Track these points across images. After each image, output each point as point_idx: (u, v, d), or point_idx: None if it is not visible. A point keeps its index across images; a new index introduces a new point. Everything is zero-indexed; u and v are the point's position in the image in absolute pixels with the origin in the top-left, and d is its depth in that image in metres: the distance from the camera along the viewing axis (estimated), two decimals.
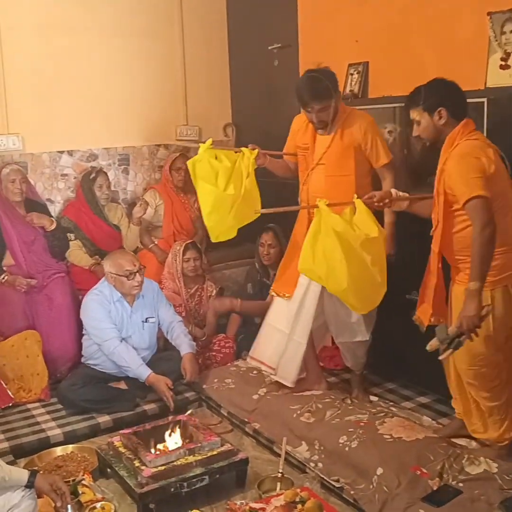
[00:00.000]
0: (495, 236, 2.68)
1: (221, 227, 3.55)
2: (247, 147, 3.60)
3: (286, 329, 3.63)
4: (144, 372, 3.75)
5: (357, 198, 3.19)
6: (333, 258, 3.00)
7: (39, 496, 2.54)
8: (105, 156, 5.02)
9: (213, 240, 3.67)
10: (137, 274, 3.82)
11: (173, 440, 3.14)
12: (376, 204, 3.18)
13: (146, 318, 3.97)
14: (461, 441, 3.15)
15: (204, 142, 3.54)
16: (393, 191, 3.22)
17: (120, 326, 3.87)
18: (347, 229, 3.02)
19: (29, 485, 2.45)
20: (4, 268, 4.25)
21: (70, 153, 4.88)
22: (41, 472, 2.71)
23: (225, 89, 5.45)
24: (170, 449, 3.07)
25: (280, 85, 4.85)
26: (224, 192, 3.45)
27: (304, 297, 3.54)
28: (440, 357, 2.83)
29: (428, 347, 2.84)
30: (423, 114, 2.88)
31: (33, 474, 2.49)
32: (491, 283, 2.78)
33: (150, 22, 5.05)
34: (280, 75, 4.84)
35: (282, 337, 3.65)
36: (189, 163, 3.54)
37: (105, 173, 4.77)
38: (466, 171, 2.71)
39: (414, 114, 2.92)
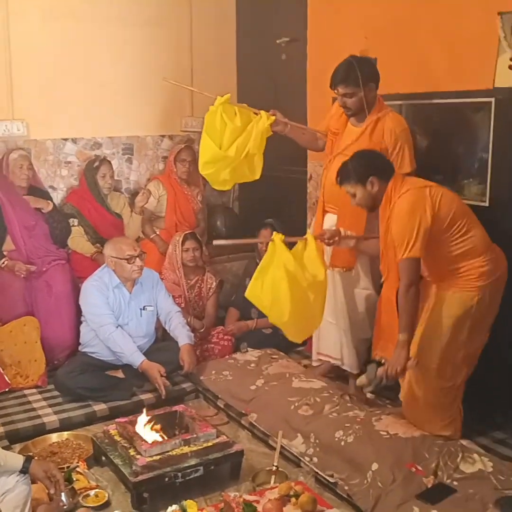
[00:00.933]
0: (418, 294, 2.93)
1: (215, 177, 3.66)
2: (268, 111, 3.60)
3: (333, 320, 3.71)
4: (137, 358, 3.76)
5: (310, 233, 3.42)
6: (279, 291, 3.16)
7: (33, 482, 2.55)
8: (109, 144, 5.01)
9: (213, 186, 3.84)
10: (138, 258, 3.84)
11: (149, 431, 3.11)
12: (326, 241, 3.38)
13: (144, 306, 3.98)
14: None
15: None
16: (342, 230, 3.43)
17: (117, 313, 3.88)
18: (297, 269, 3.19)
19: (24, 470, 2.46)
20: (4, 253, 4.25)
21: (74, 140, 4.87)
22: (36, 458, 2.72)
23: (232, 81, 5.43)
24: (148, 440, 3.02)
25: (287, 78, 4.84)
26: (223, 153, 3.50)
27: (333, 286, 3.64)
28: (366, 393, 3.12)
29: (357, 383, 3.19)
30: (356, 187, 3.05)
31: (28, 459, 2.50)
32: (480, 288, 2.97)
33: (158, 11, 5.04)
34: (287, 69, 4.83)
35: (333, 328, 3.73)
36: (207, 114, 3.56)
37: (109, 162, 4.76)
38: (402, 232, 2.89)
39: (348, 188, 3.09)
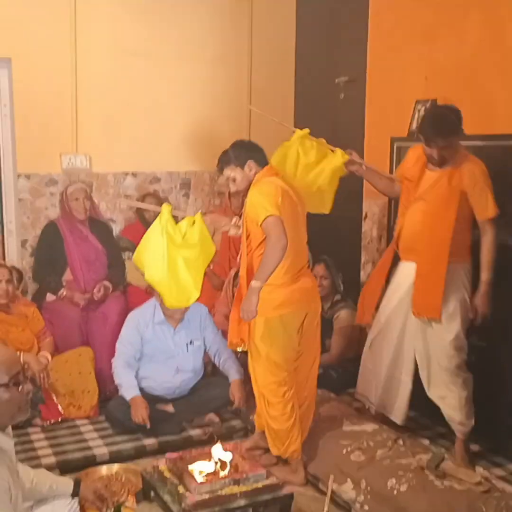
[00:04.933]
0: (285, 250, 3.06)
1: None
2: (345, 150, 3.61)
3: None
4: (131, 392, 3.77)
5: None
6: (158, 253, 3.36)
7: (82, 508, 2.56)
8: (167, 179, 5.10)
9: None
10: None
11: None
12: (224, 228, 3.66)
13: (191, 340, 3.98)
14: None
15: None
16: (235, 218, 3.54)
17: (159, 348, 3.91)
18: (172, 235, 3.37)
19: (75, 493, 2.51)
20: (63, 283, 4.35)
21: (134, 174, 4.98)
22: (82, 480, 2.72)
23: (289, 119, 5.47)
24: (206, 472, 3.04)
25: (345, 118, 4.85)
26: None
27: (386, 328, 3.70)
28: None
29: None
30: (236, 170, 3.29)
31: (77, 483, 2.54)
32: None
33: (219, 50, 5.15)
34: (345, 109, 4.84)
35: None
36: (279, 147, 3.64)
37: (154, 196, 4.84)
38: (261, 197, 3.12)
39: (228, 172, 3.32)
